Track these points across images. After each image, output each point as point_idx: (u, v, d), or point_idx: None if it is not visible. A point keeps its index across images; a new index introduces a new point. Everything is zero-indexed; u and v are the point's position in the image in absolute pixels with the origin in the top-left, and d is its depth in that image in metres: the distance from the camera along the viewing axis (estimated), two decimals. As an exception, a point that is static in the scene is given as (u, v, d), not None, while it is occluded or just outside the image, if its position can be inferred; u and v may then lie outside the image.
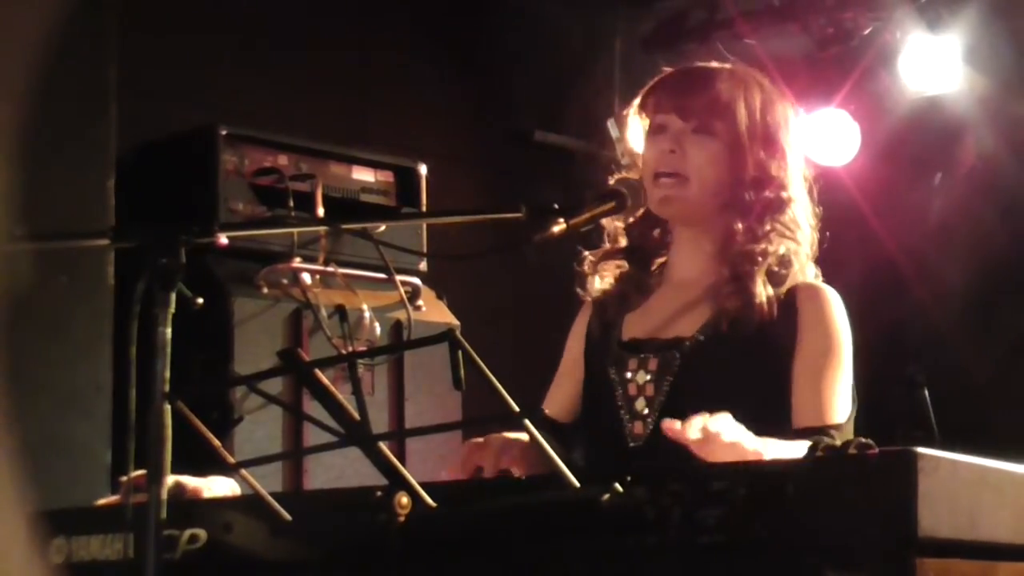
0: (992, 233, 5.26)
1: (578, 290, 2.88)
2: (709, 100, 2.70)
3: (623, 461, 2.65)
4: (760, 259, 2.68)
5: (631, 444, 2.68)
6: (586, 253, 2.87)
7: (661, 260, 2.86)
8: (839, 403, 2.63)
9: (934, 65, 5.18)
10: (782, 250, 2.71)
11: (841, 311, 2.68)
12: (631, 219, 2.83)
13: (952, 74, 5.18)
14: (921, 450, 1.75)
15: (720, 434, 2.21)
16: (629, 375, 2.72)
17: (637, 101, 2.80)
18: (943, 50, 5.15)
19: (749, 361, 2.64)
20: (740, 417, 2.36)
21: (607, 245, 2.86)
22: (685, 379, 2.66)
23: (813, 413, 2.60)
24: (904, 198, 5.23)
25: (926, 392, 4.47)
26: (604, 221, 2.79)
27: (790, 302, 2.67)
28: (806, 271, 2.75)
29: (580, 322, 2.90)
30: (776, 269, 2.70)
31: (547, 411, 2.84)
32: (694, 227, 2.76)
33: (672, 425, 2.20)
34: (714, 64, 2.82)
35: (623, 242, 2.85)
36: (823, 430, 2.57)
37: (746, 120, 2.70)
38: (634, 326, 2.79)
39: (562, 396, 2.87)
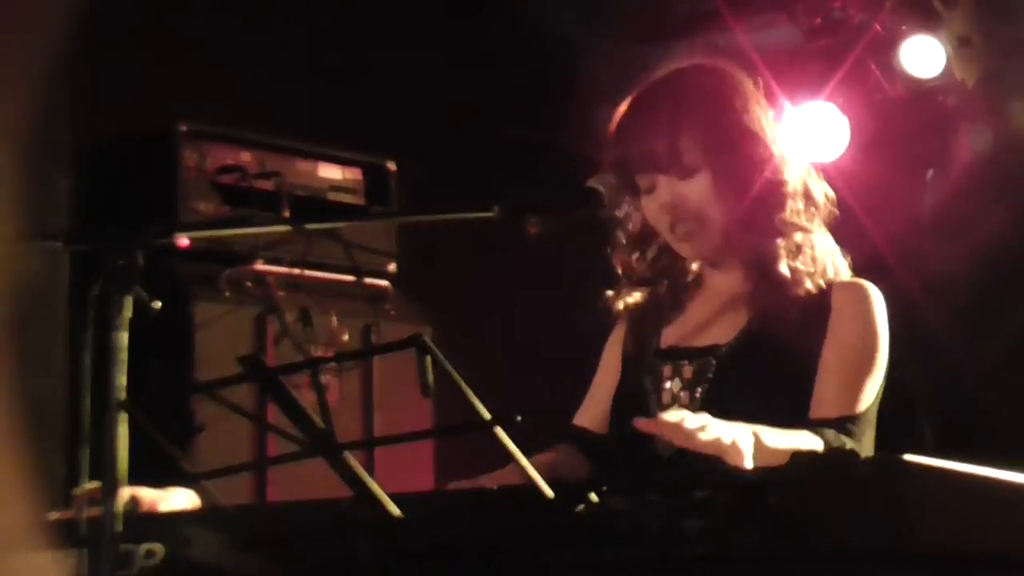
0: (985, 230, 5.24)
1: (608, 306, 2.83)
2: (668, 141, 2.64)
3: (654, 471, 2.62)
4: (776, 257, 2.64)
5: (662, 452, 2.62)
6: (608, 292, 2.83)
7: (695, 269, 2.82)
8: (858, 397, 2.58)
9: (926, 57, 5.15)
10: (799, 237, 2.66)
11: (877, 307, 2.64)
12: (650, 254, 2.78)
13: (945, 67, 5.16)
14: (909, 457, 1.72)
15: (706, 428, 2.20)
16: (664, 384, 2.69)
17: (610, 159, 2.72)
18: (936, 42, 5.13)
19: (784, 366, 2.60)
20: (776, 423, 2.33)
21: (624, 280, 2.82)
22: (720, 387, 2.62)
23: (827, 405, 2.56)
24: (895, 193, 5.21)
25: (916, 397, 4.48)
26: (616, 258, 2.79)
27: (824, 299, 2.64)
28: (836, 263, 2.70)
29: (616, 334, 2.87)
30: (797, 263, 2.65)
31: (580, 423, 2.82)
32: (725, 255, 2.72)
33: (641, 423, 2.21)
34: (658, 80, 2.75)
35: (644, 273, 2.81)
36: (831, 422, 2.52)
37: (715, 135, 2.65)
38: (671, 335, 2.76)
39: (596, 407, 2.83)
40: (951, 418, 5.26)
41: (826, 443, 2.39)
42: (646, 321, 2.79)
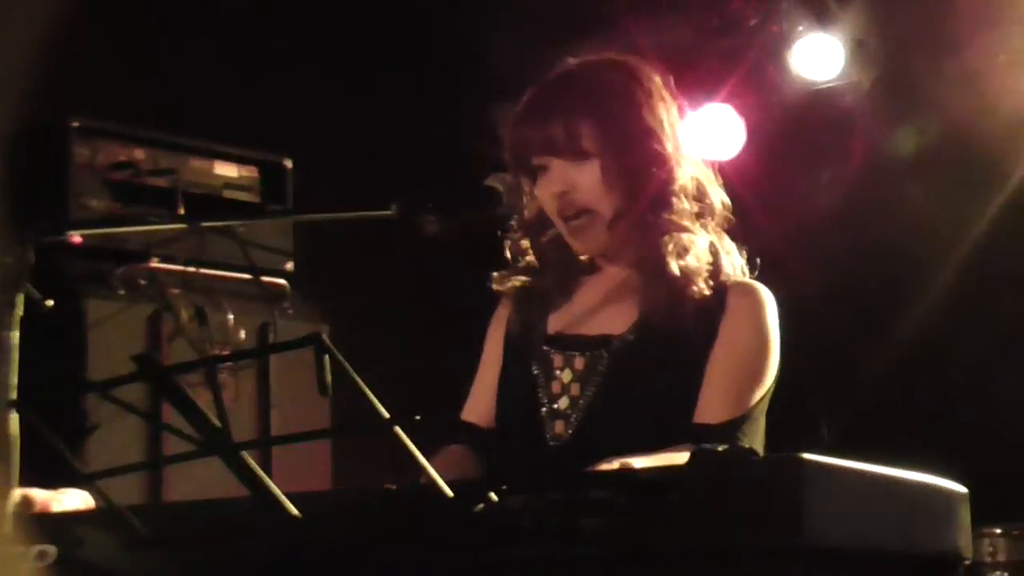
0: (881, 230, 5.31)
1: (494, 287, 2.83)
2: (566, 125, 2.64)
3: (541, 461, 2.62)
4: (662, 256, 2.63)
5: (551, 444, 2.63)
6: (495, 275, 2.82)
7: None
8: (744, 401, 2.58)
9: (822, 58, 5.21)
10: (685, 238, 2.65)
11: (769, 310, 2.64)
12: (542, 241, 2.76)
13: (840, 67, 5.22)
14: (807, 456, 1.73)
15: None
16: (554, 373, 2.67)
17: (507, 144, 2.73)
18: (831, 43, 5.19)
19: (677, 364, 2.59)
20: (668, 421, 2.34)
21: (514, 263, 2.81)
22: (613, 381, 2.62)
23: (711, 410, 2.56)
24: (791, 193, 5.26)
25: (812, 396, 4.53)
26: (508, 243, 2.78)
27: (720, 300, 2.63)
28: (733, 263, 2.69)
29: (498, 319, 2.85)
30: (687, 262, 2.63)
31: (469, 418, 2.81)
32: (614, 250, 2.72)
33: None
34: (565, 69, 2.76)
35: (531, 258, 2.79)
36: (714, 428, 2.52)
37: (611, 125, 2.65)
38: (559, 320, 2.74)
39: (482, 400, 2.81)
40: (848, 417, 5.32)
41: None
42: (532, 305, 2.78)
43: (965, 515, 2.01)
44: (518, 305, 2.80)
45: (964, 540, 2.01)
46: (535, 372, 2.69)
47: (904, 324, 5.33)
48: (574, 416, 2.62)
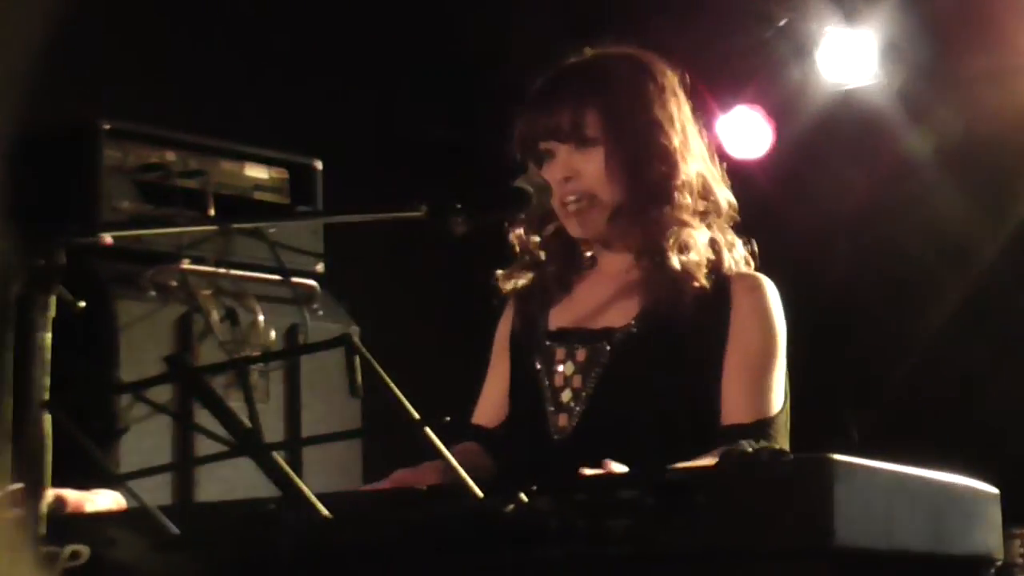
0: (907, 232, 5.30)
1: (498, 285, 2.84)
2: (572, 112, 2.67)
3: (545, 455, 2.63)
4: (664, 251, 2.64)
5: (555, 437, 2.64)
6: (498, 273, 2.83)
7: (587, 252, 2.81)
8: (770, 398, 2.59)
9: (851, 58, 5.20)
10: (685, 232, 2.66)
11: (776, 301, 2.66)
12: (546, 234, 2.77)
13: (869, 67, 5.21)
14: (837, 456, 1.72)
15: None
16: (556, 366, 2.68)
17: (516, 129, 2.75)
18: (860, 43, 5.18)
19: (681, 356, 2.60)
20: (670, 413, 2.33)
21: (520, 258, 2.82)
22: (615, 372, 2.63)
23: (741, 409, 2.56)
24: (818, 193, 5.25)
25: (839, 397, 4.52)
26: (513, 237, 2.79)
27: (723, 292, 2.64)
28: (735, 257, 2.70)
29: (504, 321, 2.87)
30: (688, 257, 2.64)
31: (478, 421, 2.82)
32: (613, 239, 2.72)
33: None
34: (575, 60, 2.78)
35: (538, 252, 2.80)
36: (748, 427, 2.53)
37: (618, 115, 2.67)
38: (561, 315, 2.76)
39: (491, 402, 2.83)
40: (874, 417, 5.31)
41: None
42: (532, 302, 2.79)
43: (996, 515, 2.01)
44: (520, 304, 2.83)
45: (995, 541, 2.00)
46: (537, 367, 2.71)
47: (931, 323, 5.31)
48: (577, 408, 2.63)
